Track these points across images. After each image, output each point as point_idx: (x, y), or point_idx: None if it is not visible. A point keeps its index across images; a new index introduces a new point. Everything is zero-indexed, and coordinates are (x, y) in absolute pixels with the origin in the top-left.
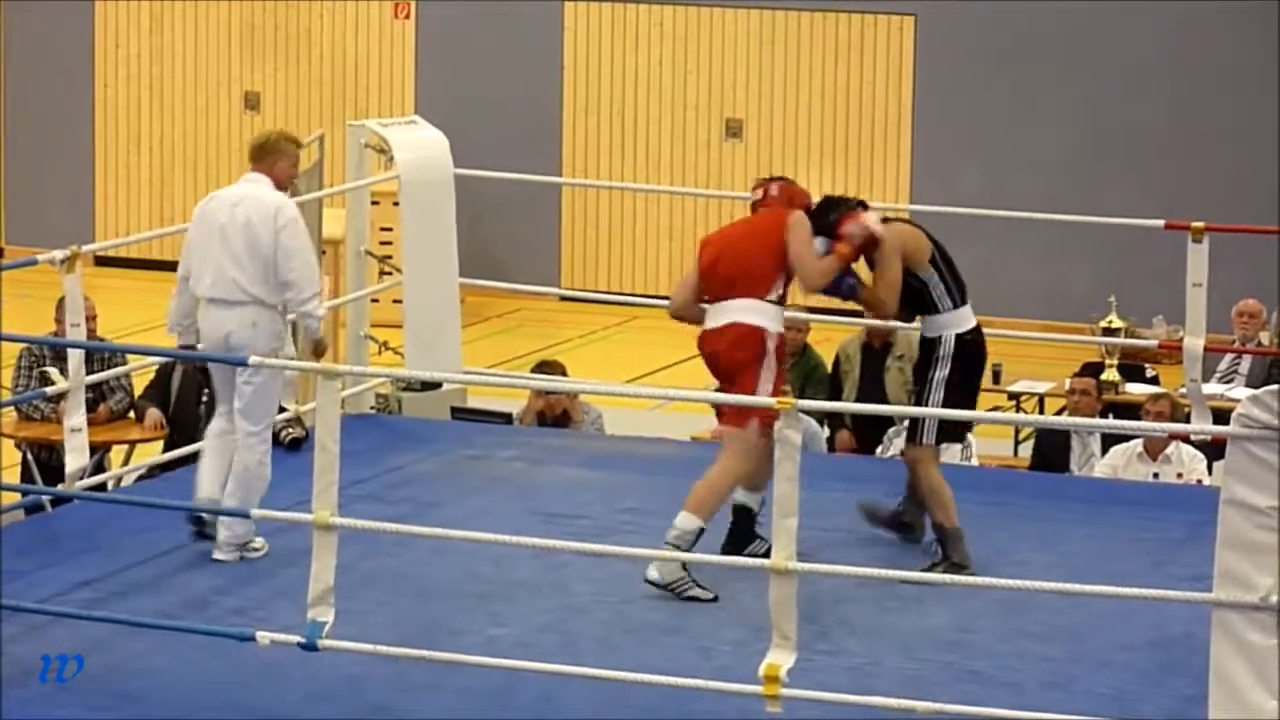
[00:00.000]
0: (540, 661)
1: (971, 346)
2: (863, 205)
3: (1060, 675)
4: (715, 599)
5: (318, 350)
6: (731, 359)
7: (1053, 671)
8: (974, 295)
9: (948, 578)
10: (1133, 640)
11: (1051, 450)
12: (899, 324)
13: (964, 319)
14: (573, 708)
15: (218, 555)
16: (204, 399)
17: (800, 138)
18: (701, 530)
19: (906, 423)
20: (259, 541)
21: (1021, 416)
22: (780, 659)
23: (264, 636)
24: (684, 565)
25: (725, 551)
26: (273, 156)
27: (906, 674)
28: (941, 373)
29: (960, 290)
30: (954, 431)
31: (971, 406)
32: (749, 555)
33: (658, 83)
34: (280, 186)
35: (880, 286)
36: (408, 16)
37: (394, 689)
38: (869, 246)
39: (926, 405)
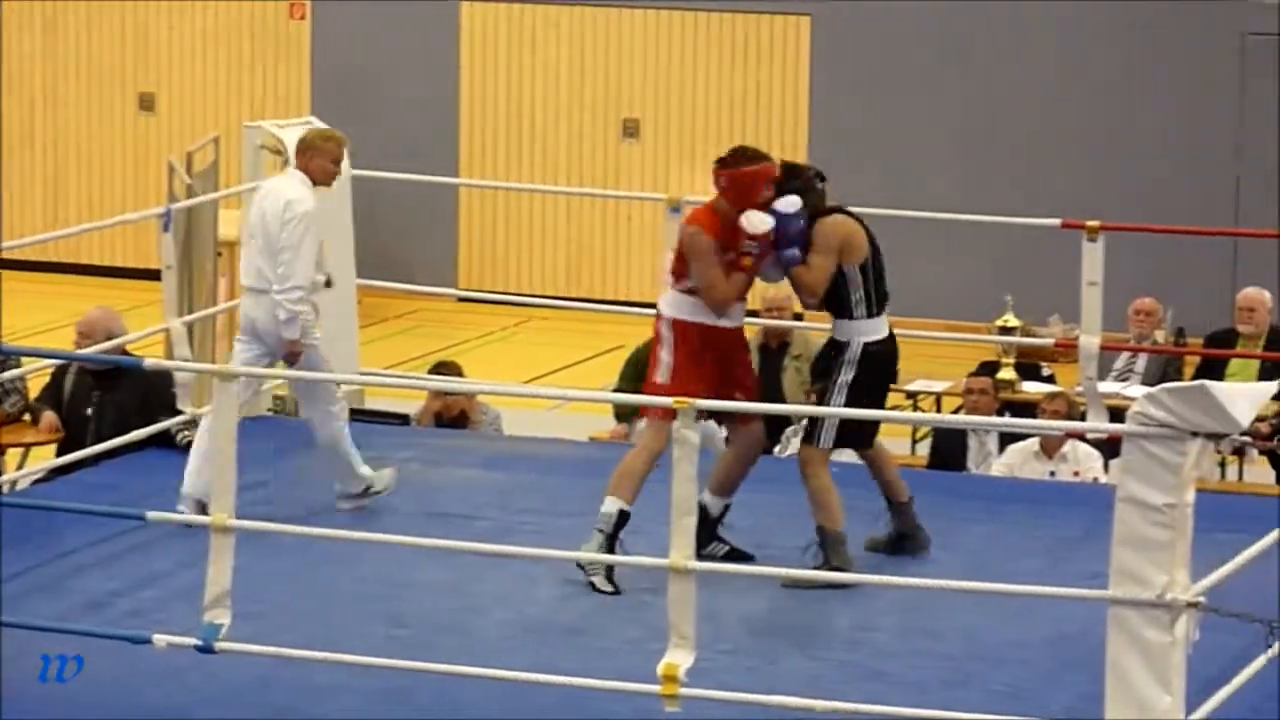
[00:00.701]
0: (439, 662)
1: (878, 358)
2: (820, 177)
3: (959, 673)
4: (616, 593)
5: (288, 355)
6: (653, 351)
7: (951, 669)
8: None
9: (848, 577)
10: (1030, 638)
11: (949, 449)
12: (794, 324)
13: (876, 328)
14: (472, 708)
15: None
16: (94, 402)
17: (697, 138)
18: (622, 513)
19: (805, 422)
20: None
21: (919, 415)
22: (679, 659)
23: (160, 639)
24: (608, 552)
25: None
26: (309, 153)
27: (806, 673)
28: (845, 377)
29: (879, 301)
30: (854, 437)
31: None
32: (705, 557)
33: (554, 83)
34: (318, 183)
35: (808, 272)
36: (303, 17)
37: (292, 691)
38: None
39: (826, 407)
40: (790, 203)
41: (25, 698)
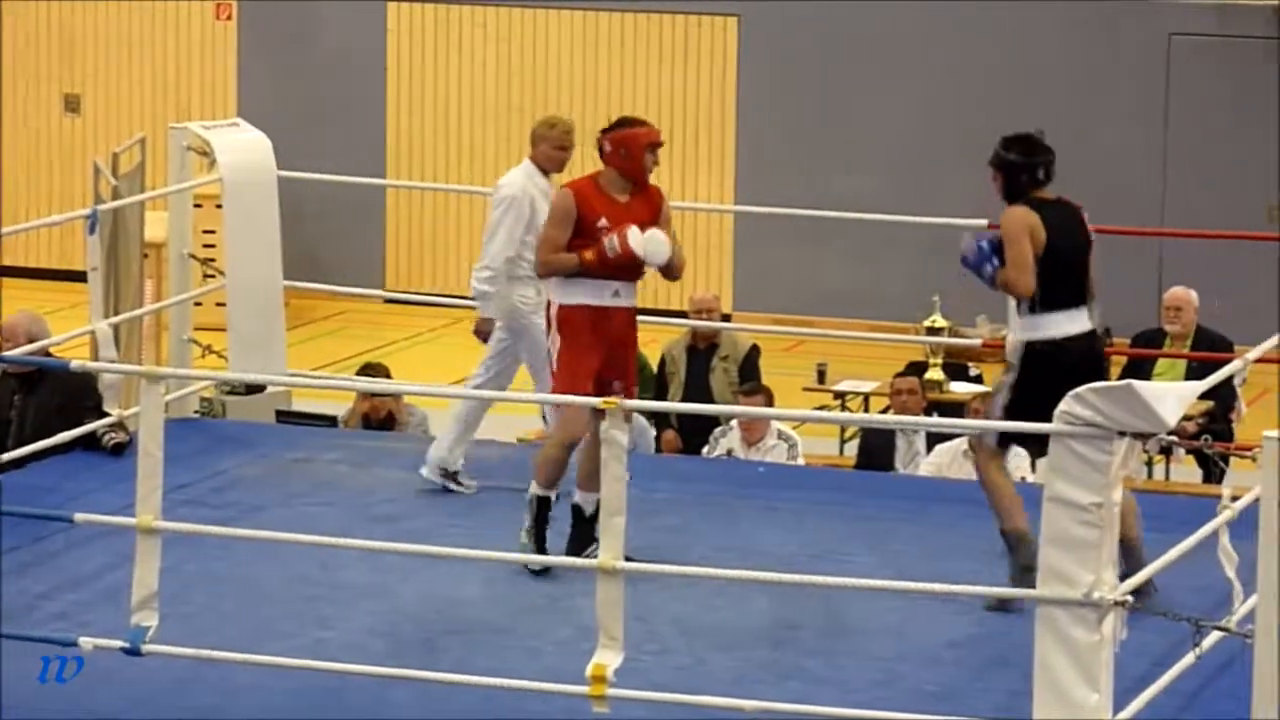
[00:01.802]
0: (367, 664)
1: (1046, 358)
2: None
3: (887, 673)
4: (543, 573)
5: (478, 331)
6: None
7: (880, 669)
8: (798, 294)
9: (772, 576)
10: (958, 637)
11: (877, 449)
12: (723, 325)
13: (1049, 325)
14: (400, 709)
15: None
16: (14, 404)
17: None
18: (543, 499)
19: (734, 423)
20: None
21: (846, 415)
22: (607, 659)
23: (87, 642)
24: (533, 541)
25: (568, 552)
26: (534, 142)
27: (734, 672)
28: (1008, 378)
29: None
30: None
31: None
32: (588, 556)
33: (481, 84)
34: (547, 170)
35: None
36: (229, 18)
37: (220, 693)
38: (624, 262)
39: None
40: (970, 249)
41: None
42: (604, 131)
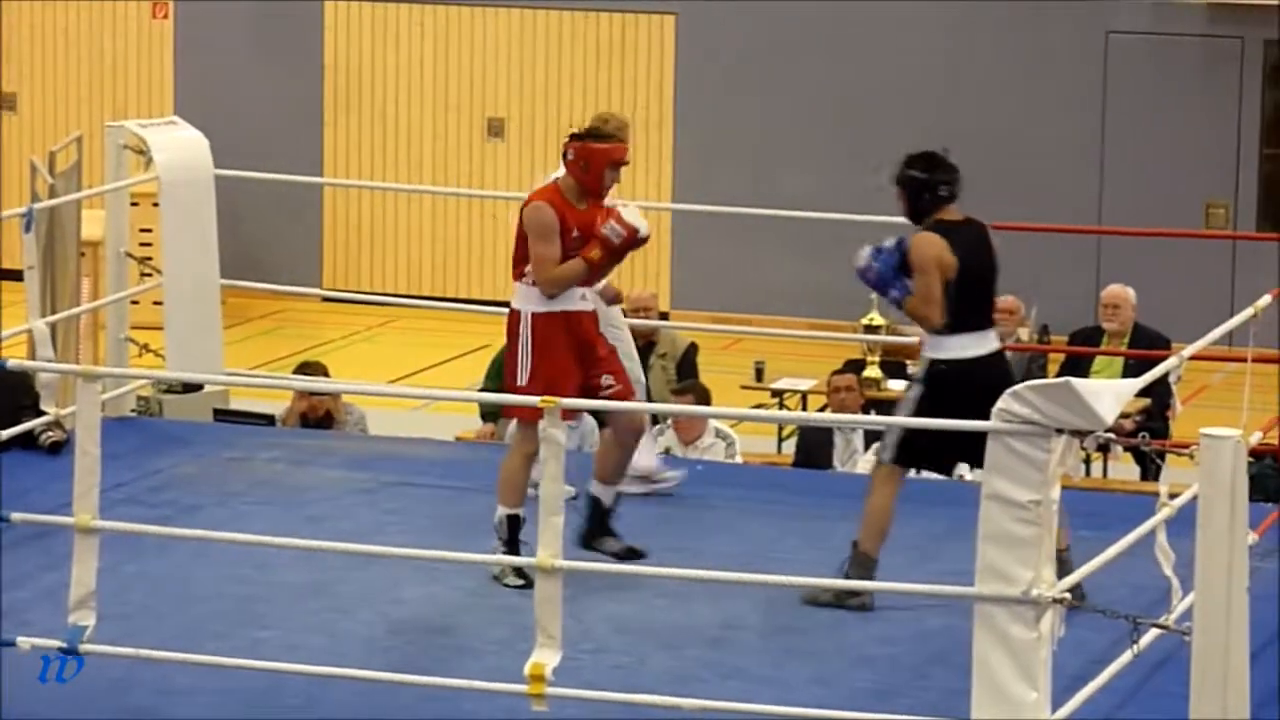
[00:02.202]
0: (305, 664)
1: (949, 376)
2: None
3: (824, 671)
4: (528, 585)
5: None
6: (508, 349)
7: (817, 667)
8: (736, 293)
9: (710, 574)
10: (895, 635)
11: (814, 447)
12: (661, 323)
13: (956, 346)
14: (338, 709)
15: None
16: None
17: (562, 136)
18: (511, 517)
19: (670, 421)
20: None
21: (784, 414)
22: (545, 658)
23: (24, 642)
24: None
25: (581, 544)
26: None
27: (672, 671)
28: (913, 392)
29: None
30: (926, 458)
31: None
32: (596, 549)
33: (419, 82)
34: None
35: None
36: (166, 16)
37: (157, 692)
38: (628, 244)
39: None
40: (863, 260)
41: None
42: (572, 137)
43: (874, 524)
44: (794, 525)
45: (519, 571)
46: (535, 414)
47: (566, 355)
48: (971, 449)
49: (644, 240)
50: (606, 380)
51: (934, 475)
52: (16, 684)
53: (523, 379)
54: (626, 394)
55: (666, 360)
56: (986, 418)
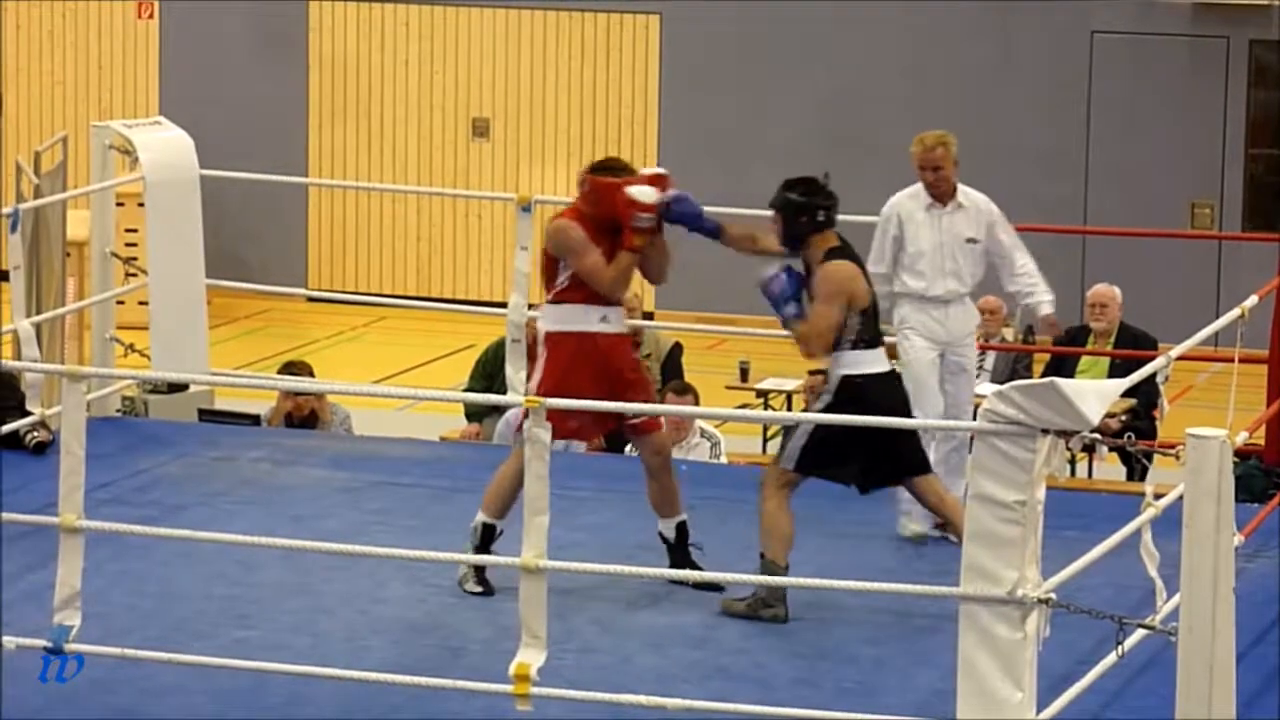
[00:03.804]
0: (289, 663)
1: (856, 390)
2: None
3: (808, 670)
4: (488, 591)
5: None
6: (531, 367)
7: (801, 667)
8: (720, 293)
9: (695, 574)
10: (881, 634)
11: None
12: (645, 323)
13: (860, 361)
14: (321, 708)
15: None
16: None
17: (547, 136)
18: (488, 526)
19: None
20: None
21: (769, 414)
22: (530, 658)
23: (9, 641)
24: (473, 571)
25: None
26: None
27: (657, 671)
28: (818, 405)
29: (872, 338)
30: (832, 469)
31: (847, 451)
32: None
33: (404, 82)
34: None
35: (810, 325)
36: (151, 16)
37: (141, 692)
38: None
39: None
40: (770, 272)
41: None
42: (589, 169)
43: (775, 531)
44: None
45: (480, 578)
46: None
47: (578, 374)
48: (874, 462)
49: (665, 207)
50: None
51: None
52: (3, 684)
53: (532, 389)
54: (651, 425)
55: (651, 360)
56: (892, 430)
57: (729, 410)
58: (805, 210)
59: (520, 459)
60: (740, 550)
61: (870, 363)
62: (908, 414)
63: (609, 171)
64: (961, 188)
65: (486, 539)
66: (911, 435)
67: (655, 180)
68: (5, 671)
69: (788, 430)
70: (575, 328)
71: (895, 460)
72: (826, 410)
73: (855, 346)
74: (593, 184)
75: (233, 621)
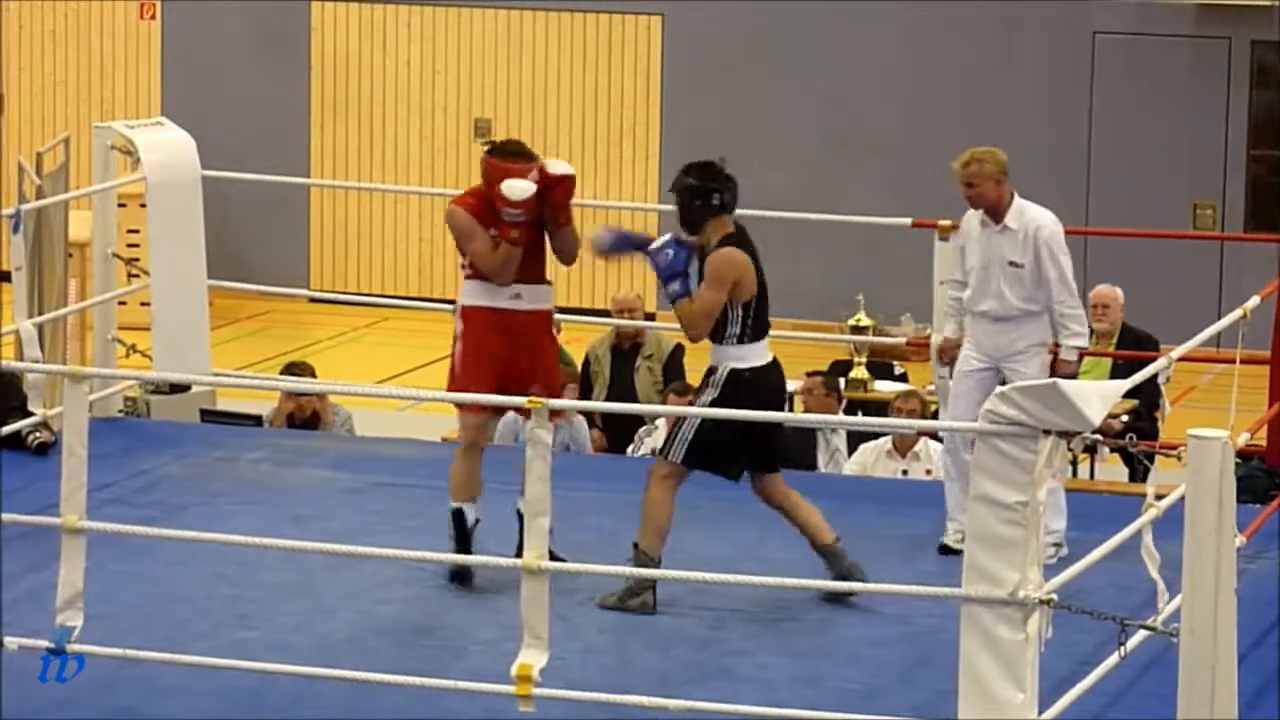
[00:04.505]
0: (291, 664)
1: (746, 384)
2: (722, 194)
3: (810, 671)
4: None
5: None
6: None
7: (802, 668)
8: None
9: (697, 575)
10: (883, 636)
11: (799, 449)
12: (647, 324)
13: (748, 355)
14: (323, 709)
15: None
16: None
17: (549, 137)
18: (456, 511)
19: (660, 422)
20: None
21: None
22: (533, 658)
23: (11, 642)
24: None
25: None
26: None
27: (658, 672)
28: (705, 399)
29: (758, 330)
30: (714, 464)
31: (735, 445)
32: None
33: (406, 83)
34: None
35: (691, 306)
36: (153, 17)
37: (143, 692)
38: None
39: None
40: (661, 241)
41: None
42: (487, 150)
43: (653, 522)
44: (778, 526)
45: (460, 577)
46: (469, 408)
47: (488, 350)
48: (761, 456)
49: (518, 199)
50: (535, 388)
51: (922, 477)
52: (4, 684)
53: (457, 370)
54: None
55: (653, 361)
56: (776, 421)
57: (729, 410)
58: (700, 195)
59: (464, 437)
60: (739, 550)
61: (756, 355)
62: (781, 404)
63: (506, 155)
64: (1021, 205)
65: (459, 525)
66: (789, 429)
67: (544, 175)
68: (6, 671)
69: (677, 423)
70: (487, 303)
71: (773, 451)
72: (714, 404)
73: (741, 340)
74: (485, 165)
75: (234, 622)
